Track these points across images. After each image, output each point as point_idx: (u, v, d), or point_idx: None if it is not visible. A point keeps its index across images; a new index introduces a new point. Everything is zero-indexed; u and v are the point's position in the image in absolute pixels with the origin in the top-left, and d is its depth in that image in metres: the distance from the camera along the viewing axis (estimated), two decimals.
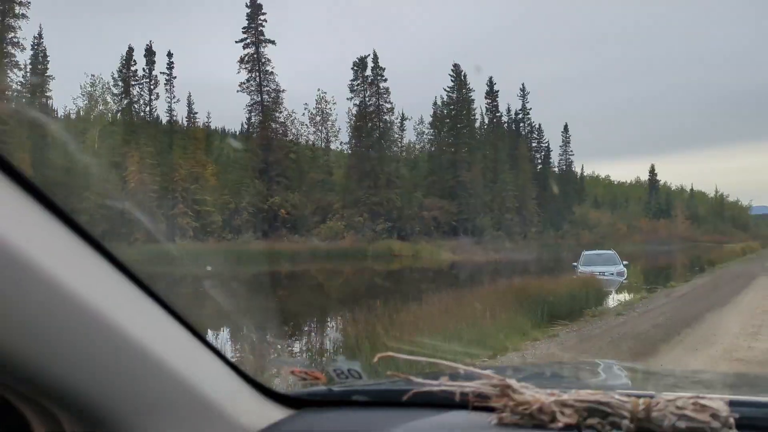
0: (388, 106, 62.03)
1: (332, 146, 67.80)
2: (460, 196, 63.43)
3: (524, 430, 1.12)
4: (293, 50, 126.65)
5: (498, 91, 75.76)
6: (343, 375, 1.54)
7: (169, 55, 54.60)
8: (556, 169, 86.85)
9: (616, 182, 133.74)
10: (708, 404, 1.03)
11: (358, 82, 61.55)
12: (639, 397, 1.08)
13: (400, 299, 15.89)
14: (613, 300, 20.32)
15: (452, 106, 67.69)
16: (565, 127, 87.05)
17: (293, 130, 61.14)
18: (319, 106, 64.67)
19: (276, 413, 1.35)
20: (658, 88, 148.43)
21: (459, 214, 62.84)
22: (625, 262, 26.88)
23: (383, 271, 41.43)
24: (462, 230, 61.88)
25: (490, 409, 1.19)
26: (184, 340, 1.12)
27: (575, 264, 26.29)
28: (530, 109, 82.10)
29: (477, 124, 72.57)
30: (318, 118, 65.53)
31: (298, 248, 48.95)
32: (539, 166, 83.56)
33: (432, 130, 68.76)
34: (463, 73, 67.68)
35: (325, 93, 64.36)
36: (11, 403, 1.01)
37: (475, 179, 66.43)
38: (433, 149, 69.47)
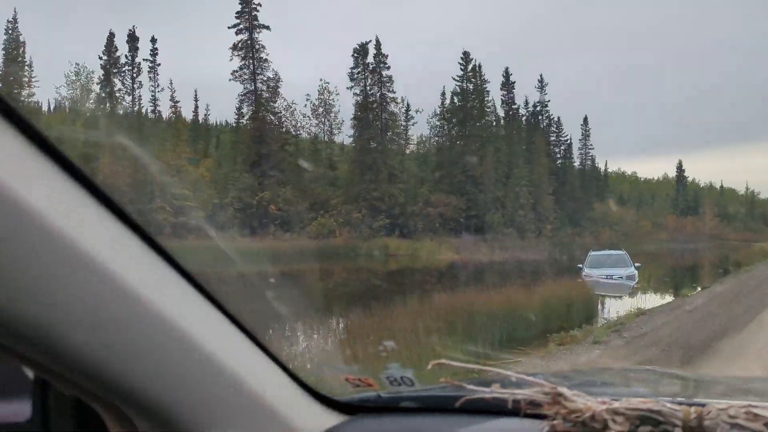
0: (392, 95, 57.59)
1: (338, 139, 63.44)
2: (469, 191, 59.00)
3: None
4: (297, 40, 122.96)
5: (514, 82, 71.09)
6: (395, 382, 1.55)
7: (153, 41, 50.88)
8: (577, 164, 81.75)
9: (642, 179, 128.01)
10: (761, 413, 1.04)
11: (359, 70, 57.34)
12: (690, 405, 1.11)
13: (337, 313, 13.95)
14: (605, 314, 16.02)
15: (462, 96, 63.03)
16: (585, 120, 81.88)
17: (293, 122, 57.01)
18: (322, 96, 60.43)
19: (330, 419, 1.38)
20: (688, 84, 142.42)
21: (468, 210, 58.46)
22: (637, 264, 23.76)
23: (367, 272, 37.36)
24: (470, 227, 57.46)
25: (541, 417, 1.20)
26: (244, 345, 1.15)
27: (580, 266, 23.62)
28: (548, 101, 77.12)
29: (491, 117, 67.78)
30: (321, 109, 61.32)
31: (284, 246, 44.91)
32: (558, 161, 78.62)
33: (440, 122, 64.10)
34: (476, 64, 63.08)
35: (328, 83, 60.17)
36: (86, 403, 1.06)
37: (487, 174, 61.99)
38: (441, 142, 64.75)
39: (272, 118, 54.11)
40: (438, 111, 64.99)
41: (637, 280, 22.54)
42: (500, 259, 44.20)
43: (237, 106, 54.94)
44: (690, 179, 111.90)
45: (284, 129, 55.90)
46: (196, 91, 62.31)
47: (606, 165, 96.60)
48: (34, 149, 0.75)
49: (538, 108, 76.28)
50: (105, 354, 0.87)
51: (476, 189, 59.88)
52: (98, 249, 0.80)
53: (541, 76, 76.23)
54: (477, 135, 63.29)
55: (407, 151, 63.71)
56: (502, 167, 65.98)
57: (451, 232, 56.14)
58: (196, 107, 62.78)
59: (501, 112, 70.04)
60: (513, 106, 72.17)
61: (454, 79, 63.01)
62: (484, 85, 65.75)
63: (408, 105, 62.60)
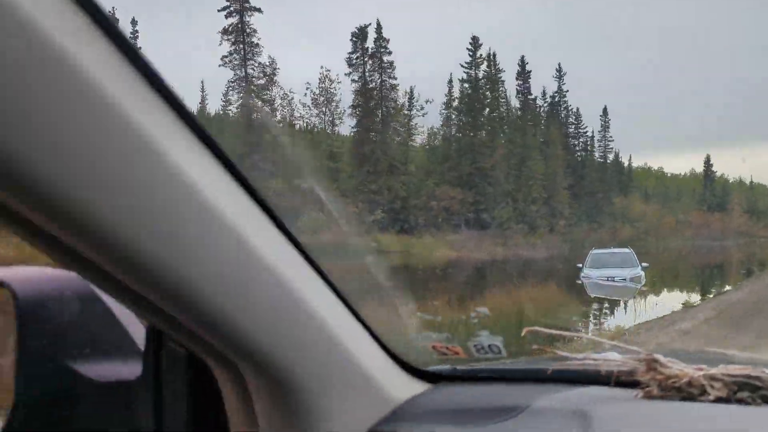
0: (393, 82, 53.78)
1: (342, 131, 59.80)
2: (478, 184, 55.01)
3: (671, 403, 1.17)
4: (298, 25, 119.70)
5: (530, 72, 66.79)
6: (483, 350, 1.60)
7: (134, 23, 47.80)
8: (598, 158, 77.35)
9: (669, 174, 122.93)
10: None
11: (358, 54, 53.60)
12: None
13: None
14: (578, 332, 12.39)
15: (471, 84, 58.99)
16: (604, 111, 77.29)
17: (290, 111, 53.52)
18: (323, 85, 56.76)
19: (416, 387, 1.44)
20: (717, 79, 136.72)
21: (476, 204, 54.53)
22: (644, 264, 21.19)
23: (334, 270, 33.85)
24: (478, 222, 53.49)
25: (631, 385, 1.23)
26: (345, 313, 1.23)
27: (580, 265, 21.27)
28: (567, 91, 72.68)
29: (504, 107, 63.79)
30: (322, 98, 57.67)
31: None
32: (577, 154, 74.26)
33: (447, 111, 60.11)
34: (491, 52, 59.16)
35: (329, 71, 56.41)
36: (197, 362, 1.18)
37: (498, 166, 57.98)
38: (448, 132, 60.77)
39: (263, 105, 50.52)
40: (445, 100, 60.74)
41: (643, 282, 20.01)
42: (502, 257, 40.31)
43: (224, 92, 51.52)
44: (718, 174, 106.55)
45: (278, 118, 52.14)
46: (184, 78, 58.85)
47: (630, 159, 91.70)
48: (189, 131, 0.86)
49: (556, 98, 71.73)
50: (236, 311, 0.98)
51: (485, 182, 55.87)
52: (234, 217, 0.92)
53: (559, 65, 71.60)
54: (487, 125, 59.08)
55: (412, 142, 59.53)
56: (515, 159, 61.84)
57: (457, 228, 52.24)
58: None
59: (516, 103, 65.65)
60: (529, 97, 67.74)
61: (462, 65, 58.82)
62: (499, 75, 61.40)
63: (412, 93, 58.32)
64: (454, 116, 60.67)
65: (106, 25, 0.74)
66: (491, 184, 56.19)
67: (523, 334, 1.42)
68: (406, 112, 58.50)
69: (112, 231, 0.81)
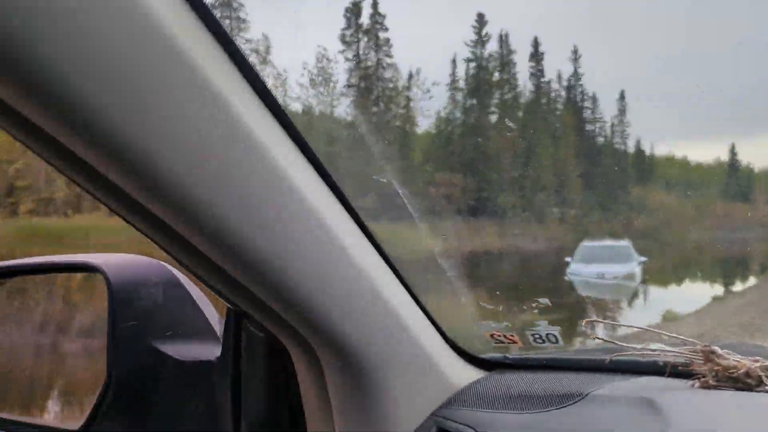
0: (389, 60, 50.36)
1: (341, 113, 56.69)
2: (481, 170, 51.34)
3: (728, 393, 1.20)
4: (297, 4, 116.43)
5: (543, 53, 62.93)
6: (539, 339, 1.66)
7: None
8: (615, 145, 73.37)
9: (693, 163, 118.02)
10: None
11: (351, 31, 50.23)
12: None
13: None
14: None
15: (476, 64, 55.26)
16: (621, 95, 73.05)
17: (284, 92, 50.32)
18: (320, 65, 53.46)
19: (473, 374, 1.53)
20: (745, 67, 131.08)
21: (479, 191, 50.92)
22: (642, 259, 19.65)
23: None
24: (479, 211, 49.97)
25: (686, 376, 1.27)
26: (410, 300, 1.32)
27: (569, 259, 19.53)
28: (583, 74, 68.58)
29: (512, 89, 60.14)
30: (320, 78, 54.29)
31: None
32: (592, 140, 70.22)
33: (450, 92, 56.62)
34: (503, 33, 56.12)
35: (326, 50, 53.09)
36: (275, 340, 1.30)
37: (504, 151, 54.24)
38: (451, 114, 57.44)
39: None
40: (449, 81, 57.26)
41: (640, 280, 19.03)
42: (496, 248, 36.79)
43: None
44: (744, 164, 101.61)
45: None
46: None
47: (652, 147, 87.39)
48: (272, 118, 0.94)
49: (572, 82, 67.73)
50: (320, 297, 1.08)
51: (490, 168, 52.18)
52: (320, 209, 1.03)
53: (575, 46, 67.55)
54: (494, 108, 55.40)
55: (414, 126, 56.19)
56: (523, 144, 58.06)
57: (454, 216, 48.72)
58: None
59: (529, 86, 61.97)
60: (542, 80, 63.85)
61: (466, 44, 55.29)
62: (510, 56, 57.56)
63: (411, 75, 55.17)
64: (458, 98, 57.01)
65: (214, 25, 0.82)
66: (496, 170, 52.42)
67: (583, 324, 1.49)
68: (406, 93, 54.87)
69: (225, 224, 0.90)
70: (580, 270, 18.08)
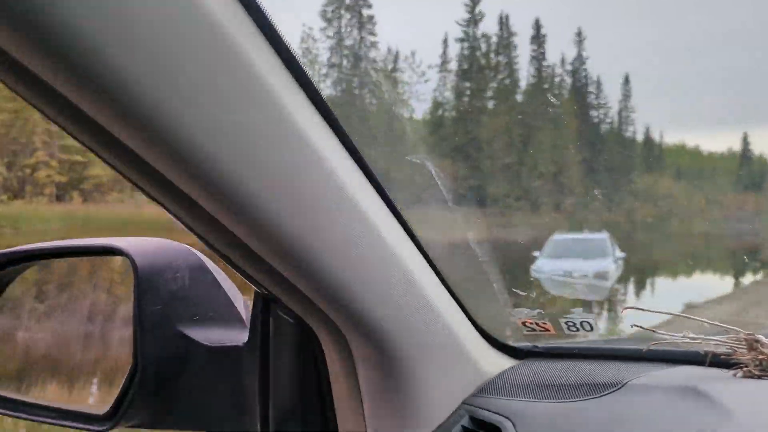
0: (372, 39, 47.47)
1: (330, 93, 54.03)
2: (471, 156, 48.39)
3: None
4: None
5: (545, 35, 59.72)
6: (573, 327, 1.58)
7: None
8: (619, 131, 70.47)
9: (705, 153, 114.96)
10: None
11: (333, 7, 47.43)
12: None
13: None
14: None
15: (468, 44, 52.37)
16: (626, 79, 69.69)
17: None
18: (305, 44, 50.86)
19: (504, 362, 1.47)
20: (759, 53, 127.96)
21: (468, 179, 47.89)
22: (620, 255, 17.38)
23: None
24: (468, 199, 46.54)
25: (729, 365, 1.24)
26: (442, 287, 1.30)
27: (537, 254, 16.65)
28: (587, 58, 65.23)
29: (507, 71, 57.27)
30: (306, 59, 51.47)
31: None
32: (595, 127, 67.27)
33: (440, 74, 53.75)
34: (503, 14, 52.90)
35: (311, 29, 50.40)
36: (305, 327, 1.29)
37: (497, 137, 51.29)
38: (442, 96, 54.54)
39: None
40: (440, 62, 54.35)
41: (614, 279, 16.40)
42: (469, 240, 33.85)
43: None
44: (757, 154, 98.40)
45: None
46: None
47: (661, 136, 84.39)
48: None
49: (576, 66, 64.51)
50: (354, 281, 1.06)
51: (482, 154, 49.18)
52: (355, 194, 1.04)
53: (579, 29, 64.05)
54: (484, 89, 52.60)
55: (402, 109, 53.33)
56: (519, 129, 55.02)
57: (437, 205, 45.53)
58: None
59: (531, 70, 59.10)
60: (543, 63, 60.75)
61: (458, 23, 52.22)
62: (511, 38, 54.62)
63: (397, 53, 51.99)
64: (446, 78, 53.95)
65: (270, 31, 0.87)
66: (488, 157, 49.50)
67: (622, 311, 1.44)
68: (393, 75, 51.98)
69: (261, 205, 0.91)
70: (544, 267, 15.37)
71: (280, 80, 0.89)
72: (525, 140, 54.53)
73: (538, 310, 1.67)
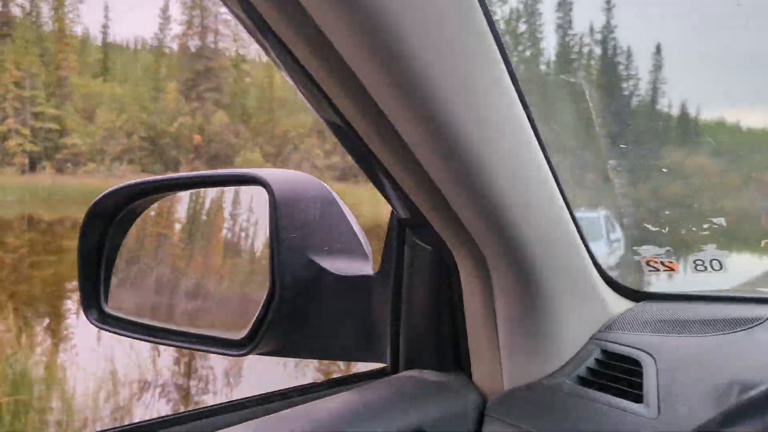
0: None
1: None
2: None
3: None
4: None
5: (572, 2, 55.71)
6: (701, 266, 1.53)
7: None
8: (649, 104, 66.29)
9: (746, 129, 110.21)
10: None
11: None
12: None
13: None
14: None
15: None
16: (657, 49, 65.21)
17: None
18: None
19: (624, 303, 1.47)
20: None
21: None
22: (614, 237, 9.73)
23: None
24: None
25: None
26: (573, 225, 1.32)
27: None
28: (615, 26, 61.15)
29: (523, 39, 53.57)
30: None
31: None
32: (624, 99, 63.08)
33: None
34: None
35: None
36: (441, 258, 1.31)
37: None
38: None
39: (219, 28, 42.23)
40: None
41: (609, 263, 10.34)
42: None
43: (162, 9, 43.29)
44: None
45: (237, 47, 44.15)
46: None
47: (698, 110, 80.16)
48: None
49: (604, 35, 60.52)
50: (513, 205, 1.10)
51: None
52: (528, 135, 1.12)
53: None
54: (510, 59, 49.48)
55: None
56: (537, 100, 51.85)
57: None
58: None
59: (554, 40, 55.23)
60: (569, 31, 56.85)
61: None
62: (536, 5, 51.16)
63: None
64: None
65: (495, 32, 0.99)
66: None
67: (762, 245, 1.44)
68: None
69: (464, 136, 0.98)
70: None
71: (497, 58, 1.00)
72: (545, 114, 51.51)
73: (667, 248, 1.59)
